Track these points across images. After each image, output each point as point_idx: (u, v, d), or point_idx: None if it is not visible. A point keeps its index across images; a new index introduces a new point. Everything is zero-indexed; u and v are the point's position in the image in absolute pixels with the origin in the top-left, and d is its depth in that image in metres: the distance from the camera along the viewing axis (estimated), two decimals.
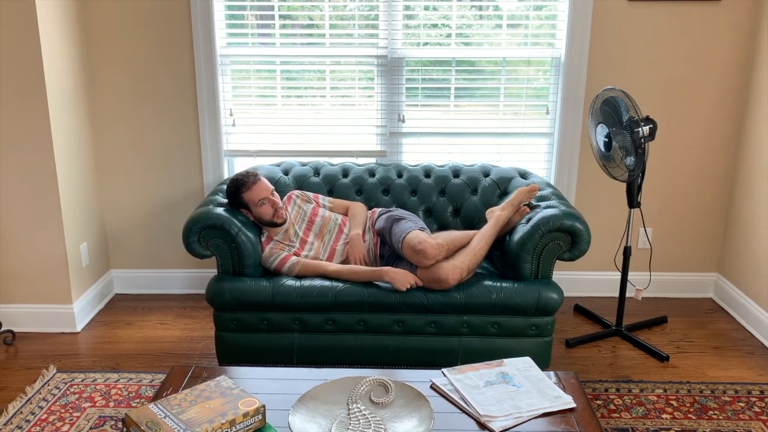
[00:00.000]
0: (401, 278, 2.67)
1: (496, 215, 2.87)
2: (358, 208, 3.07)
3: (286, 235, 2.94)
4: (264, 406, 1.73)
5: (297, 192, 3.10)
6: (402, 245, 2.71)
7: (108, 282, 3.67)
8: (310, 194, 3.11)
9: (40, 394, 2.73)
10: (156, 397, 1.89)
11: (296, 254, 2.89)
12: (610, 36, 3.35)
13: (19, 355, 3.07)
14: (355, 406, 1.85)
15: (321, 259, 2.90)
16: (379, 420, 1.79)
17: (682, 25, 3.33)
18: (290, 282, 2.75)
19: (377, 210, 3.07)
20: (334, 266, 2.79)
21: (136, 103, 3.47)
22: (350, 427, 1.77)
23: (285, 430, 1.77)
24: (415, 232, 2.72)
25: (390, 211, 3.00)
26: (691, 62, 3.39)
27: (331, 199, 3.14)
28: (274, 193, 2.91)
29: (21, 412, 2.60)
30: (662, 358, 3.02)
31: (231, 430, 1.65)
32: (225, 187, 3.07)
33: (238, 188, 2.87)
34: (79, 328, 3.31)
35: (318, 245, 2.94)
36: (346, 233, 2.98)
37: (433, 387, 2.01)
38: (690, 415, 2.59)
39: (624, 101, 2.91)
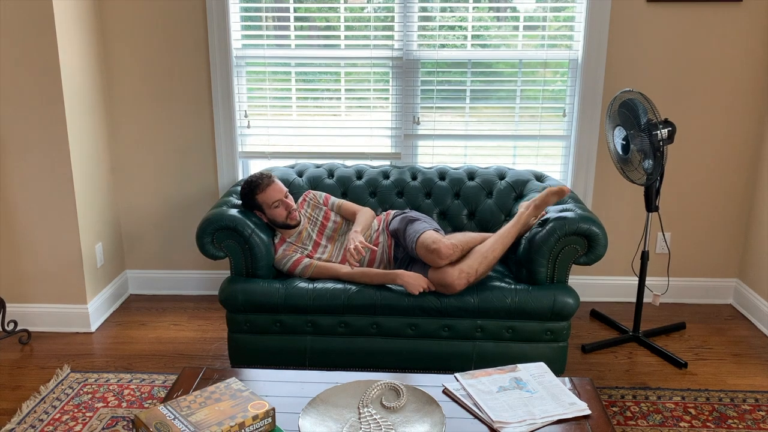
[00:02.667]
0: (414, 282, 2.64)
1: (518, 214, 2.83)
2: (365, 211, 3.02)
3: (299, 237, 2.93)
4: (274, 409, 1.71)
5: (311, 194, 3.08)
6: (416, 245, 2.69)
7: (123, 282, 3.68)
8: (321, 197, 3.07)
9: (53, 393, 2.74)
10: (166, 399, 1.88)
11: (309, 256, 2.88)
12: (629, 37, 3.31)
13: (34, 355, 3.09)
14: (365, 410, 1.83)
15: (334, 262, 2.88)
16: (389, 424, 1.77)
17: (702, 26, 3.28)
18: (303, 284, 2.74)
19: (391, 212, 3.05)
20: (346, 269, 2.77)
21: (151, 104, 3.48)
22: (361, 431, 1.74)
23: None
24: (429, 232, 2.70)
25: (404, 212, 2.97)
26: (710, 64, 3.33)
27: (342, 201, 3.09)
28: (288, 195, 2.91)
29: (35, 412, 2.61)
30: (680, 365, 2.96)
31: None
32: (239, 188, 3.06)
33: (251, 190, 2.87)
34: (93, 328, 3.32)
35: (331, 248, 2.93)
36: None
37: (446, 392, 1.98)
38: (709, 424, 2.54)
39: (642, 103, 2.87)
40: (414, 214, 2.93)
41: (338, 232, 2.99)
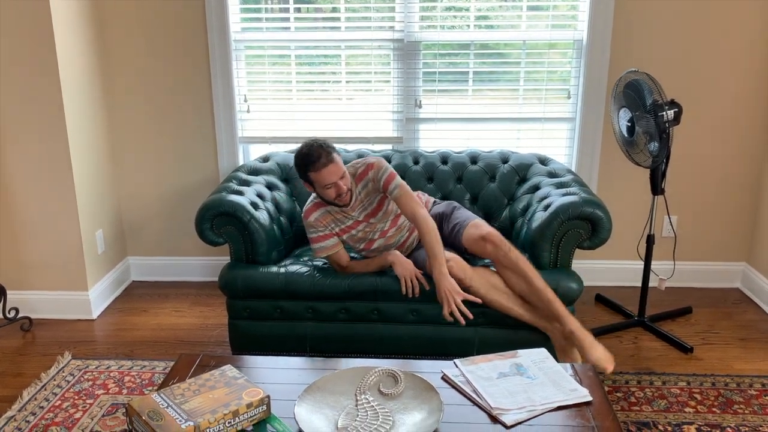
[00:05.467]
0: (404, 265, 2.62)
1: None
2: (430, 227, 2.57)
3: (341, 210, 2.71)
4: (269, 397, 1.69)
5: (374, 171, 2.66)
6: (466, 227, 2.64)
7: (125, 269, 3.67)
8: (383, 179, 2.65)
9: (54, 380, 2.74)
10: (162, 386, 1.86)
11: (339, 234, 2.73)
12: (634, 17, 3.23)
13: (35, 342, 3.09)
14: (363, 397, 1.81)
15: (371, 239, 2.76)
16: (387, 411, 1.75)
17: (709, 6, 3.20)
18: (303, 270, 2.71)
19: (426, 196, 2.96)
20: (348, 260, 2.74)
21: (150, 89, 3.45)
22: (357, 418, 1.72)
23: (291, 421, 1.73)
24: (481, 219, 2.68)
25: (450, 201, 2.95)
26: (718, 44, 3.26)
27: (402, 191, 2.64)
28: (345, 174, 2.59)
29: (35, 398, 2.61)
30: (686, 350, 2.92)
31: (234, 421, 1.62)
32: (294, 159, 2.63)
33: (305, 165, 2.56)
34: (95, 315, 3.32)
35: (370, 229, 2.75)
36: (400, 225, 2.79)
37: (445, 378, 1.95)
38: (714, 409, 2.50)
39: (648, 84, 2.81)
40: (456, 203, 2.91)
41: (385, 217, 2.76)
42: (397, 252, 2.68)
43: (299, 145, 2.62)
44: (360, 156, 3.25)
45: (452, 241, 2.70)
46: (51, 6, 2.91)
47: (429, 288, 2.59)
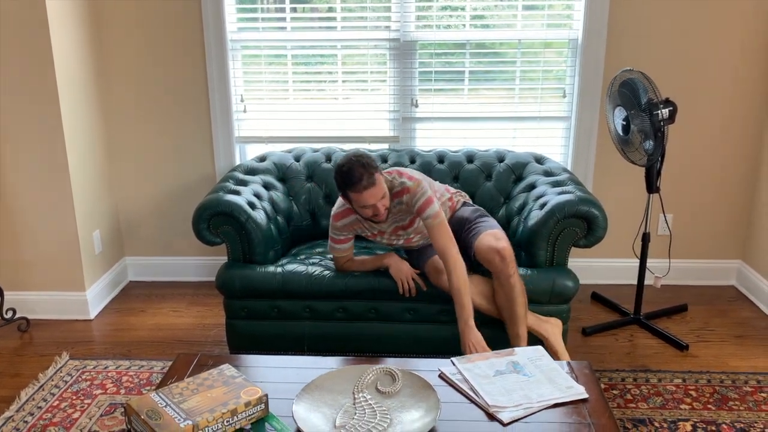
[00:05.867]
0: (400, 268, 2.63)
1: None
2: (461, 273, 2.47)
3: (370, 223, 2.63)
4: (266, 396, 1.70)
5: (410, 194, 2.53)
6: (482, 234, 2.57)
7: (122, 269, 3.67)
8: (419, 203, 2.51)
9: (52, 381, 2.74)
10: (160, 386, 1.87)
11: (366, 237, 2.70)
12: (629, 16, 3.25)
13: (33, 342, 3.09)
14: (360, 395, 1.82)
15: (394, 243, 2.72)
16: (384, 410, 1.76)
17: (703, 5, 3.22)
18: (301, 269, 2.72)
19: (461, 195, 2.89)
20: (350, 259, 2.73)
21: (146, 89, 3.45)
22: (355, 416, 1.73)
23: (289, 419, 1.74)
24: (502, 231, 2.62)
25: (477, 207, 2.88)
26: (713, 43, 3.27)
27: (435, 221, 2.51)
28: (385, 194, 2.47)
29: (33, 399, 2.61)
30: (682, 347, 2.94)
31: (232, 420, 1.63)
32: (334, 173, 2.50)
33: (345, 184, 2.43)
34: (92, 315, 3.32)
35: (395, 237, 2.70)
36: (425, 233, 2.68)
37: (442, 376, 1.96)
38: (709, 406, 2.52)
39: (642, 83, 2.82)
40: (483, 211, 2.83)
41: (414, 231, 2.67)
42: (393, 254, 2.69)
43: (340, 159, 2.48)
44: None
45: (463, 243, 2.63)
46: (47, 6, 2.91)
47: (426, 289, 2.61)
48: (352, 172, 2.40)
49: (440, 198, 2.74)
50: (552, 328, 2.63)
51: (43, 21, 2.92)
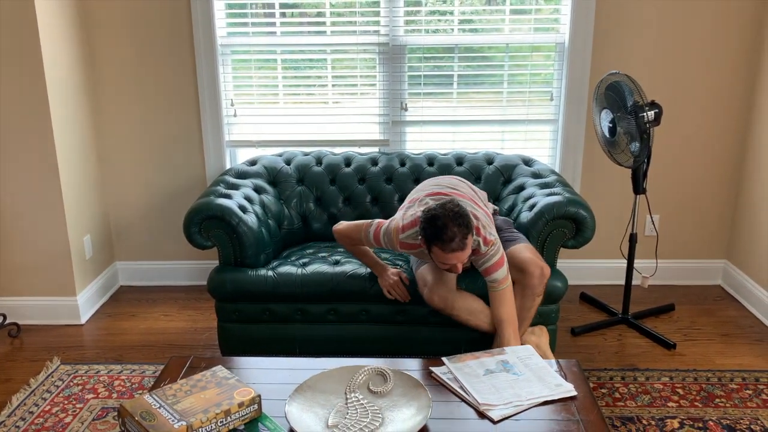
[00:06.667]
0: (384, 279, 2.65)
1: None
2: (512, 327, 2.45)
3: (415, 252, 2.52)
4: (259, 396, 1.72)
5: (481, 255, 2.41)
6: (521, 247, 2.55)
7: (113, 274, 3.67)
8: (485, 266, 2.42)
9: (43, 385, 2.74)
10: (153, 388, 1.88)
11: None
12: (615, 19, 3.29)
13: (23, 348, 3.08)
14: (352, 395, 1.84)
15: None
16: (376, 409, 1.78)
17: (690, 7, 3.27)
18: (292, 272, 2.73)
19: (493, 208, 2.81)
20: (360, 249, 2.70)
21: (137, 93, 3.46)
22: (348, 416, 1.75)
23: (282, 420, 1.75)
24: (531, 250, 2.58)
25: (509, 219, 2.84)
26: (697, 45, 3.33)
27: (503, 290, 2.45)
28: (468, 256, 2.32)
29: (24, 404, 2.61)
30: (669, 346, 2.98)
31: (226, 420, 1.64)
32: (425, 220, 2.28)
33: (434, 238, 2.24)
34: (83, 320, 3.32)
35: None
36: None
37: (433, 376, 1.99)
38: (696, 403, 2.55)
39: (628, 85, 2.87)
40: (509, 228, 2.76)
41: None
42: (387, 269, 2.68)
43: (435, 207, 2.26)
44: (347, 158, 3.27)
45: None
46: (36, 11, 2.92)
47: (409, 299, 2.64)
48: (445, 230, 2.20)
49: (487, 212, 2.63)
50: (537, 339, 2.62)
51: (32, 25, 2.93)
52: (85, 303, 3.34)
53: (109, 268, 3.64)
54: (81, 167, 3.35)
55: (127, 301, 3.56)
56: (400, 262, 2.84)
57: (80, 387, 2.73)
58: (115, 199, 3.63)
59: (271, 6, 3.40)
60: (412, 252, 2.52)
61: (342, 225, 2.67)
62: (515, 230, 2.75)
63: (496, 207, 2.90)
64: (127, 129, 3.52)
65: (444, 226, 2.20)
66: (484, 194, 2.85)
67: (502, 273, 2.42)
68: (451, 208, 2.24)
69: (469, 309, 2.56)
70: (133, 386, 2.73)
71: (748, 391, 2.63)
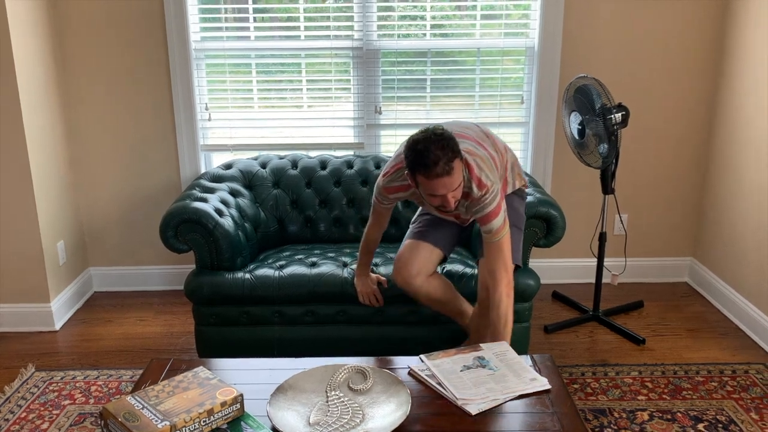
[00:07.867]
0: (360, 285, 2.67)
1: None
2: (504, 320, 2.34)
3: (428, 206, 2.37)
4: (242, 395, 1.74)
5: (476, 201, 2.25)
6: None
7: (86, 280, 3.64)
8: (481, 214, 2.27)
9: (18, 393, 2.71)
10: (134, 390, 1.89)
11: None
12: (583, 24, 3.38)
13: None
14: (333, 393, 1.87)
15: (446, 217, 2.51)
16: (357, 406, 1.81)
17: (655, 12, 3.37)
18: (269, 274, 2.75)
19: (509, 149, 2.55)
20: (381, 228, 2.58)
21: (110, 98, 3.44)
22: (329, 413, 1.78)
23: (264, 419, 1.78)
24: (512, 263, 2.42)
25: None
26: (663, 49, 3.43)
27: (500, 239, 2.30)
28: (460, 185, 2.15)
29: (0, 411, 2.58)
30: (639, 342, 3.07)
31: (209, 420, 1.66)
32: (406, 149, 2.17)
33: (416, 165, 2.10)
34: (57, 327, 3.29)
35: (444, 214, 2.49)
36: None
37: (411, 373, 2.03)
38: (664, 396, 2.64)
39: (596, 89, 2.95)
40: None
41: (468, 219, 2.46)
42: (364, 277, 2.70)
43: (416, 134, 2.13)
44: (323, 161, 3.29)
45: (465, 237, 2.54)
46: (8, 13, 2.90)
47: (382, 305, 2.69)
48: (427, 153, 2.04)
49: (501, 174, 2.40)
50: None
51: (4, 29, 2.90)
52: (59, 309, 3.31)
53: (82, 274, 3.61)
54: (54, 172, 3.32)
55: (102, 306, 3.54)
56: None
57: (56, 393, 2.71)
58: (88, 204, 3.60)
59: (245, 11, 3.41)
60: (401, 196, 2.34)
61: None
62: (522, 214, 2.55)
63: (525, 178, 2.64)
64: (100, 133, 3.50)
65: (425, 149, 2.05)
66: (503, 144, 2.53)
67: (498, 223, 2.23)
68: (433, 131, 2.10)
69: (431, 298, 2.56)
70: (111, 391, 2.72)
71: (713, 383, 2.72)
